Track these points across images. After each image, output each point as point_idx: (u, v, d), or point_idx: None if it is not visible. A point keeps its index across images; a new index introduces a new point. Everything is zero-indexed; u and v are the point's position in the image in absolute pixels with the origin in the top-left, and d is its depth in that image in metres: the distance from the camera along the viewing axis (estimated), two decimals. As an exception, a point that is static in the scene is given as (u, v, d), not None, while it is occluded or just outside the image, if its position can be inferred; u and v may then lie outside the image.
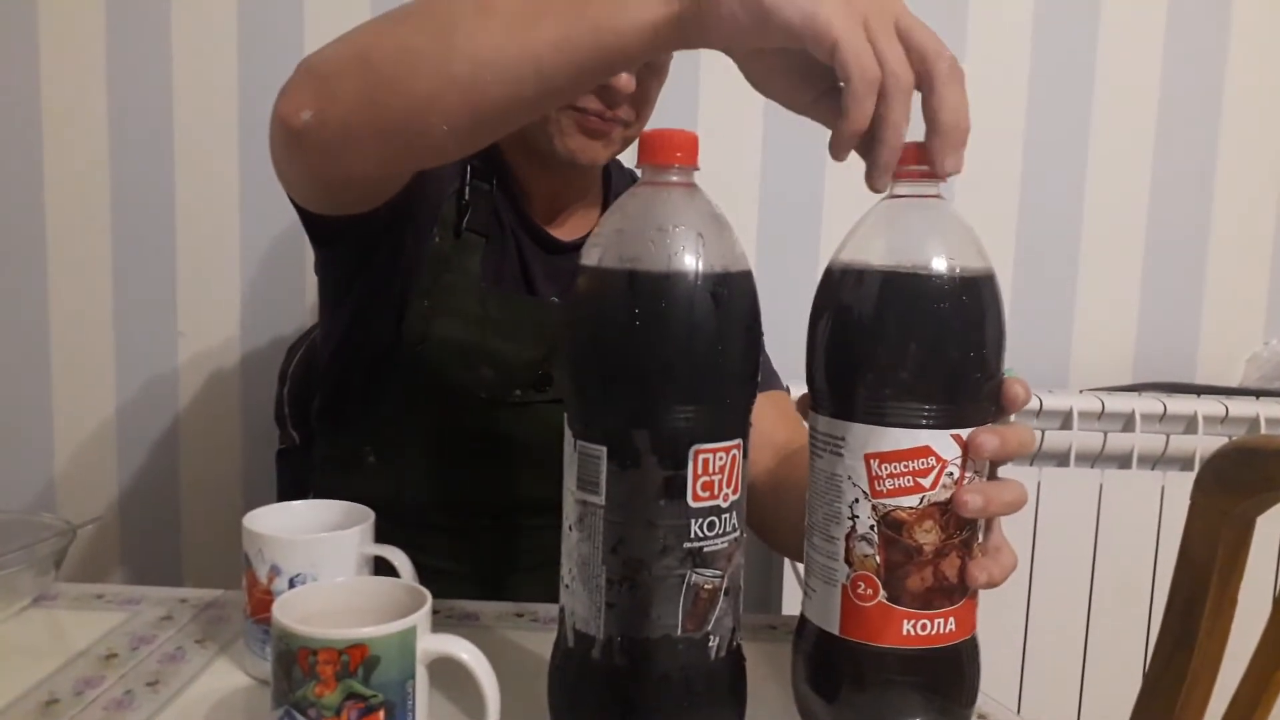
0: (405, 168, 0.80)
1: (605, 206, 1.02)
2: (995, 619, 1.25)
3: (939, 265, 0.56)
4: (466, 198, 0.94)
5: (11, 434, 1.40)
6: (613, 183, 1.05)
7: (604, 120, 0.90)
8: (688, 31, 0.61)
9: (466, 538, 0.97)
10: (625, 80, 0.87)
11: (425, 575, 0.94)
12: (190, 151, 1.35)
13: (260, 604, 0.68)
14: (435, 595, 0.84)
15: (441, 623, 0.81)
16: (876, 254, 0.58)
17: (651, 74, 0.92)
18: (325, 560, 0.68)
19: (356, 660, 0.54)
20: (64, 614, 0.80)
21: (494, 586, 0.96)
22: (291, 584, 0.67)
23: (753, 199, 1.38)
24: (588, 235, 0.94)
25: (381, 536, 0.97)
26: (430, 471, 0.95)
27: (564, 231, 0.99)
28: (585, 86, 0.76)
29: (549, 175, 0.97)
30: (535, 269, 0.97)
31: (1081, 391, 1.37)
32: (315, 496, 1.06)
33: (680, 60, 1.34)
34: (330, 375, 1.00)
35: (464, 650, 0.58)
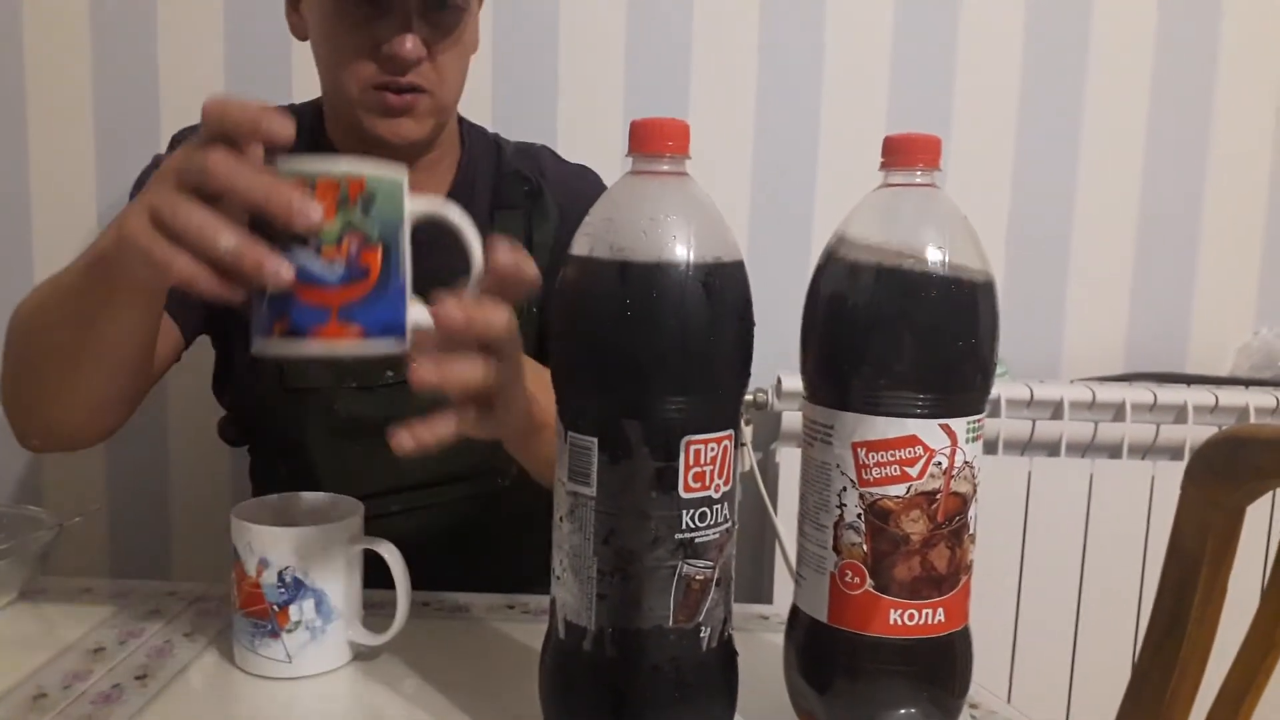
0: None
1: (461, 177, 0.99)
2: (986, 608, 1.25)
3: (933, 255, 0.56)
4: None
5: (-1, 427, 1.40)
6: (469, 149, 1.01)
7: (398, 94, 0.87)
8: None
9: (379, 526, 0.96)
10: (410, 46, 0.84)
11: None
12: (176, 114, 1.34)
13: (249, 597, 0.67)
14: (372, 585, 0.85)
15: (431, 614, 0.81)
16: (870, 243, 0.58)
17: (443, 37, 0.88)
18: (314, 553, 0.68)
19: (355, 193, 0.54)
20: (51, 608, 0.79)
21: (421, 569, 0.95)
22: (280, 578, 0.67)
23: (744, 188, 1.37)
24: None
25: None
26: (334, 470, 0.96)
27: None
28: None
29: (381, 155, 0.96)
30: None
31: (1072, 381, 1.38)
32: None
33: (672, 48, 1.34)
34: (223, 397, 1.05)
35: (450, 210, 0.59)
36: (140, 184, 0.99)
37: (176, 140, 1.00)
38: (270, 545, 0.67)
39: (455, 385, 0.60)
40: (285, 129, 0.53)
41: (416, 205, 0.58)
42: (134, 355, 0.75)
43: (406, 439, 0.59)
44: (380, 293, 0.56)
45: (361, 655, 0.72)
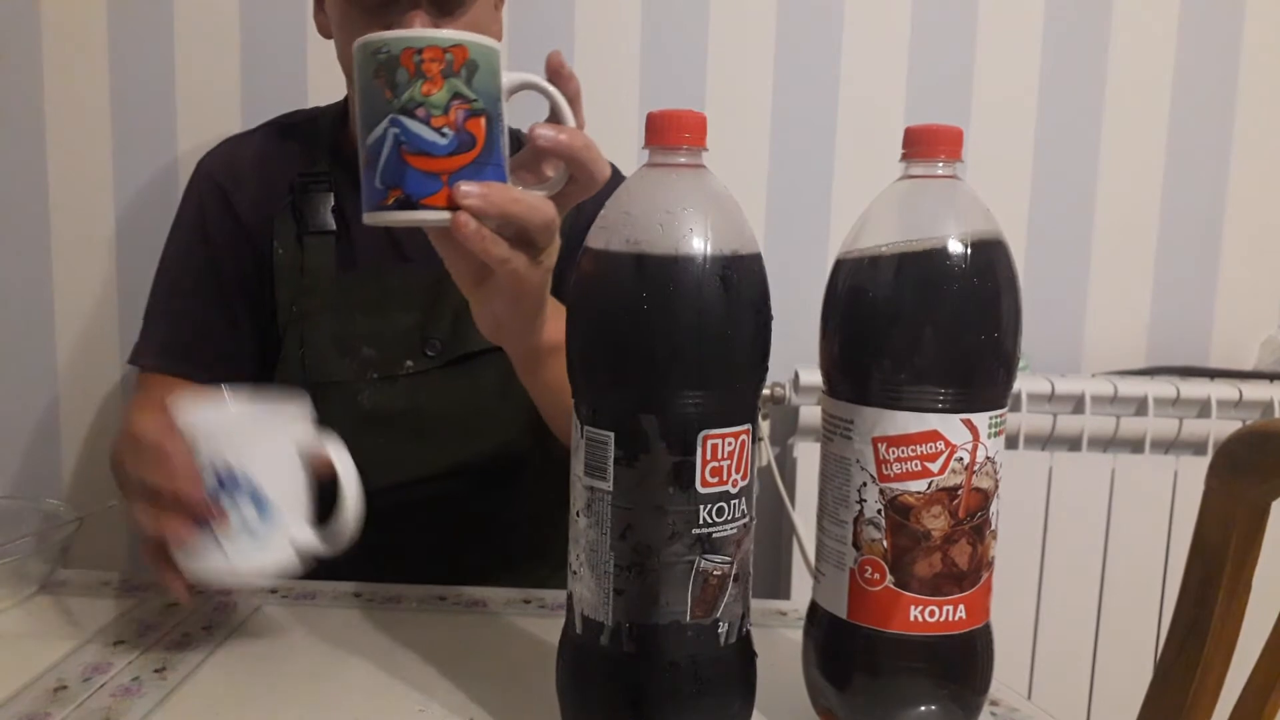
0: None
1: None
2: (1006, 604, 1.24)
3: (955, 247, 0.56)
4: (302, 206, 0.97)
5: (19, 421, 1.40)
6: None
7: None
8: None
9: (408, 517, 0.97)
10: (417, 24, 0.84)
11: (379, 559, 0.95)
12: (192, 153, 1.34)
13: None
14: (393, 578, 0.85)
15: (448, 609, 0.81)
16: (891, 236, 0.58)
17: (448, 17, 0.86)
18: (246, 442, 0.63)
19: (459, 60, 0.55)
20: (72, 600, 0.80)
21: (449, 561, 0.96)
22: (219, 479, 0.63)
23: (760, 180, 1.37)
24: None
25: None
26: (357, 460, 0.96)
27: None
28: None
29: None
30: (396, 243, 0.99)
31: (1094, 375, 1.36)
32: None
33: (688, 40, 1.34)
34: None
35: (542, 81, 0.60)
36: (185, 206, 1.01)
37: (202, 168, 1.01)
38: (203, 434, 0.63)
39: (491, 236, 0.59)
40: (196, 486, 0.62)
41: (512, 76, 0.59)
42: None
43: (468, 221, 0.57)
44: (485, 161, 0.57)
45: (312, 569, 0.68)
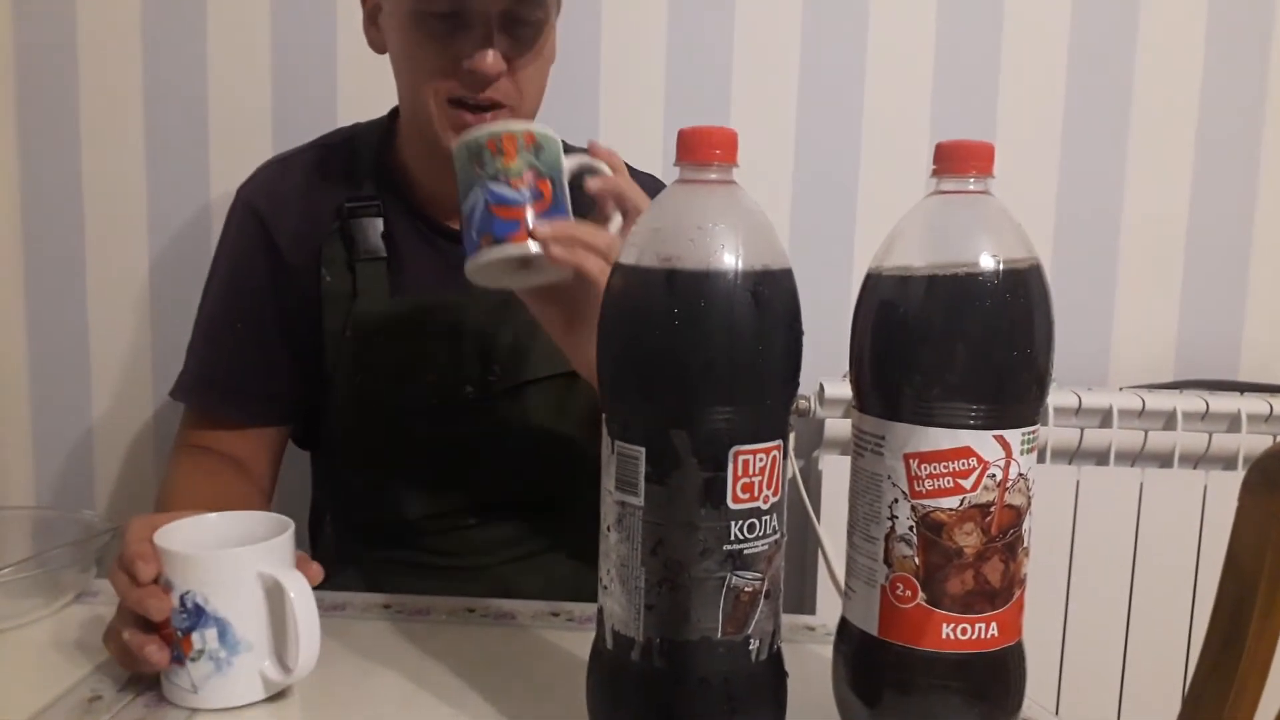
0: None
1: None
2: (1033, 620, 1.23)
3: (987, 263, 0.56)
4: (351, 232, 0.95)
5: (57, 434, 1.42)
6: None
7: (474, 109, 0.86)
8: None
9: (459, 536, 0.98)
10: (490, 61, 0.83)
11: (426, 573, 0.97)
12: (224, 171, 1.36)
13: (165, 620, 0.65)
14: (436, 591, 0.85)
15: (477, 621, 0.81)
16: (923, 252, 0.58)
17: (524, 50, 0.87)
18: (216, 579, 0.64)
19: (529, 142, 0.73)
20: (106, 611, 0.80)
21: (490, 578, 0.97)
22: (182, 602, 0.64)
23: (786, 194, 1.37)
24: None
25: (381, 542, 0.99)
26: (409, 485, 0.97)
27: None
28: None
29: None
30: (451, 267, 0.93)
31: (1122, 389, 1.35)
32: (313, 511, 1.08)
33: (713, 55, 1.34)
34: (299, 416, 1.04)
35: (596, 161, 0.77)
36: (224, 237, 1.01)
37: (241, 196, 1.00)
38: (173, 567, 0.64)
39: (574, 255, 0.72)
40: (160, 612, 0.64)
41: (573, 159, 0.76)
42: None
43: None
44: (553, 211, 0.73)
45: (280, 693, 0.68)
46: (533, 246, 0.71)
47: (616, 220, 0.77)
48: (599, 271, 0.70)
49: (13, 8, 1.35)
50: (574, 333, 0.77)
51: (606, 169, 0.77)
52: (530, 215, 0.71)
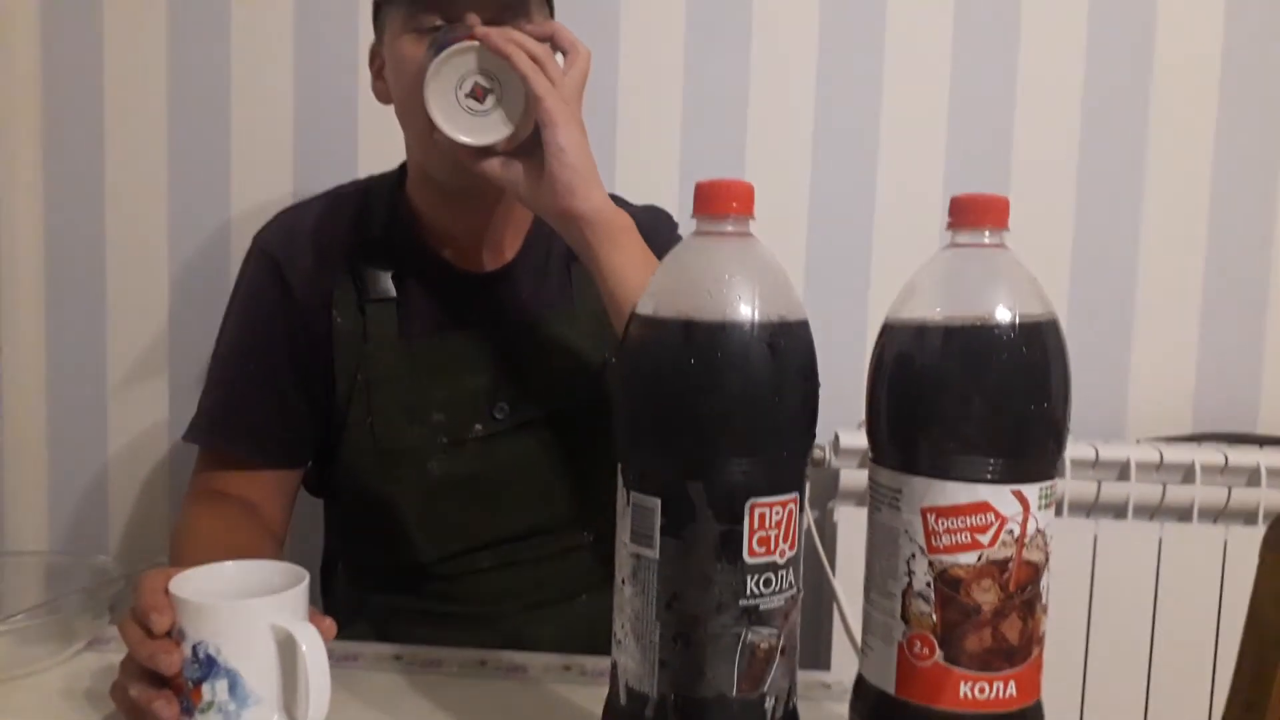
0: None
1: (537, 224, 1.01)
2: (1051, 679, 1.21)
3: (1003, 316, 0.56)
4: (361, 274, 0.96)
5: (68, 475, 1.43)
6: None
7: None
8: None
9: (472, 581, 0.98)
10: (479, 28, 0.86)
11: (438, 621, 0.96)
12: (244, 217, 1.38)
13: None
14: (448, 642, 0.85)
15: (488, 674, 0.80)
16: (939, 305, 0.58)
17: None
18: (228, 630, 0.63)
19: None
20: (118, 658, 0.80)
21: (505, 627, 0.97)
22: (194, 652, 0.63)
23: (801, 246, 1.37)
24: (515, 259, 0.99)
25: (393, 589, 0.99)
26: (420, 526, 0.97)
27: (491, 259, 1.00)
28: None
29: (464, 209, 0.97)
30: (458, 307, 0.98)
31: (1139, 441, 1.34)
32: (325, 559, 1.08)
33: (726, 107, 1.36)
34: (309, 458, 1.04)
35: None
36: (240, 281, 1.02)
37: (258, 242, 1.02)
38: (186, 617, 0.64)
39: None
40: (171, 667, 0.63)
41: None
42: None
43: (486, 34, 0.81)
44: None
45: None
46: (474, 44, 0.80)
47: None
48: (532, 70, 0.79)
49: (40, 55, 1.38)
50: (541, 185, 0.82)
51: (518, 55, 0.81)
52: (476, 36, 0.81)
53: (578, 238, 0.83)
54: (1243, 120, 1.37)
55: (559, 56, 0.86)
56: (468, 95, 0.83)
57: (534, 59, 0.81)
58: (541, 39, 0.85)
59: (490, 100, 0.83)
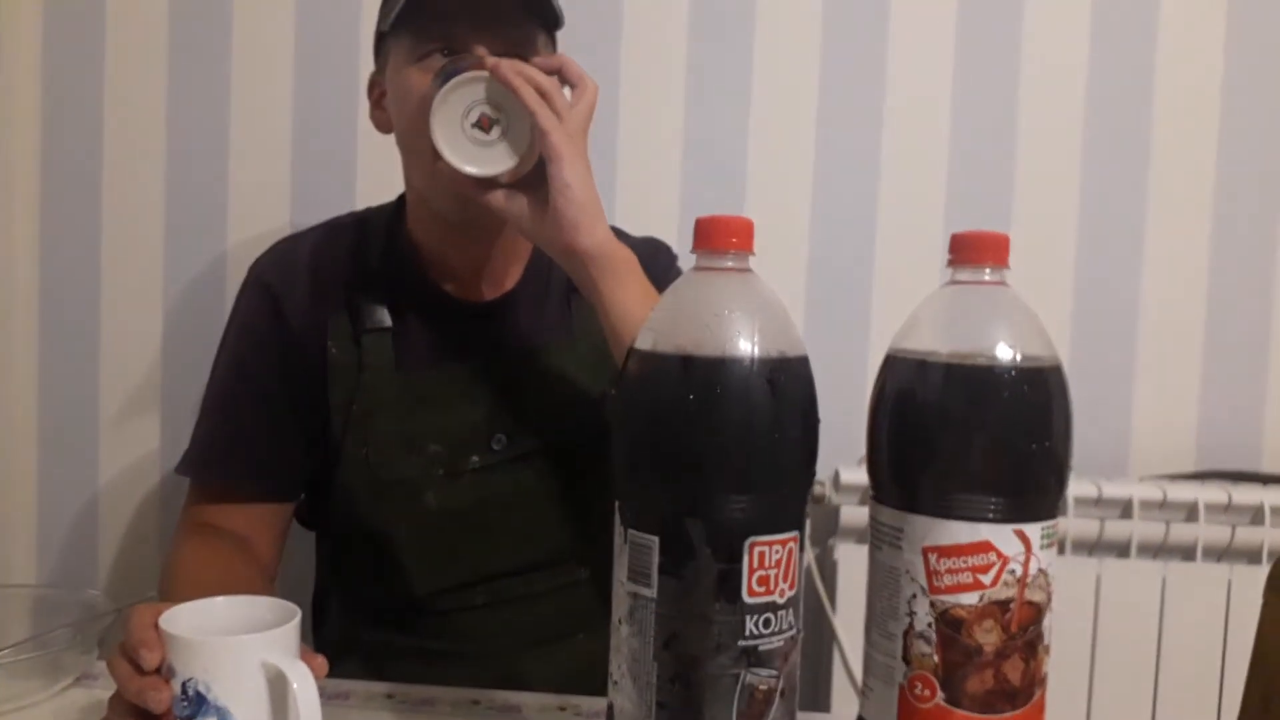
0: None
1: (537, 256, 1.01)
2: (1054, 718, 1.20)
3: (1004, 354, 0.55)
4: (357, 305, 0.96)
5: (58, 507, 1.41)
6: None
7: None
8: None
9: (466, 619, 0.97)
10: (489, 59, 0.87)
11: (432, 660, 0.94)
12: (240, 247, 1.38)
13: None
14: (441, 680, 0.84)
15: (482, 713, 0.79)
16: (940, 342, 0.57)
17: None
18: (218, 666, 0.63)
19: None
20: (106, 694, 0.79)
21: (499, 665, 0.95)
22: (184, 689, 0.62)
23: (800, 282, 1.37)
24: (514, 290, 0.99)
25: (386, 625, 0.98)
26: (415, 560, 0.96)
27: (490, 289, 1.00)
28: None
29: (465, 240, 0.97)
30: (456, 337, 0.98)
31: (1141, 479, 1.33)
32: (317, 594, 1.06)
33: (728, 143, 1.36)
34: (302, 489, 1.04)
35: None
36: (235, 313, 1.02)
37: (253, 272, 1.02)
38: (176, 653, 0.63)
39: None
40: (160, 704, 0.63)
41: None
42: None
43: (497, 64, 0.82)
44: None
45: None
46: (483, 73, 0.80)
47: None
48: (538, 104, 0.80)
49: (40, 85, 1.39)
50: (545, 219, 0.82)
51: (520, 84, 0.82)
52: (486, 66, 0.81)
53: (580, 272, 0.83)
54: (1244, 160, 1.37)
55: (566, 90, 0.86)
56: (474, 125, 0.83)
57: (541, 92, 0.81)
58: (549, 72, 0.85)
59: (496, 131, 0.83)
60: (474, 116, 0.82)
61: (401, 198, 1.03)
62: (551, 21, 0.92)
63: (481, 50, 0.87)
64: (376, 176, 1.35)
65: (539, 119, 0.80)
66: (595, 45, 1.35)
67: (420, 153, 0.88)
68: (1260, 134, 1.37)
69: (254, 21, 1.37)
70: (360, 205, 1.12)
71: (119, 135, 1.39)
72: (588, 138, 0.85)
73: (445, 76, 0.83)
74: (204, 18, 1.37)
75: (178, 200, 1.39)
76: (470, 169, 0.83)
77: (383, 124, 0.98)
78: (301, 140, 1.37)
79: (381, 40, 0.95)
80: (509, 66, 0.81)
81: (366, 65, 1.01)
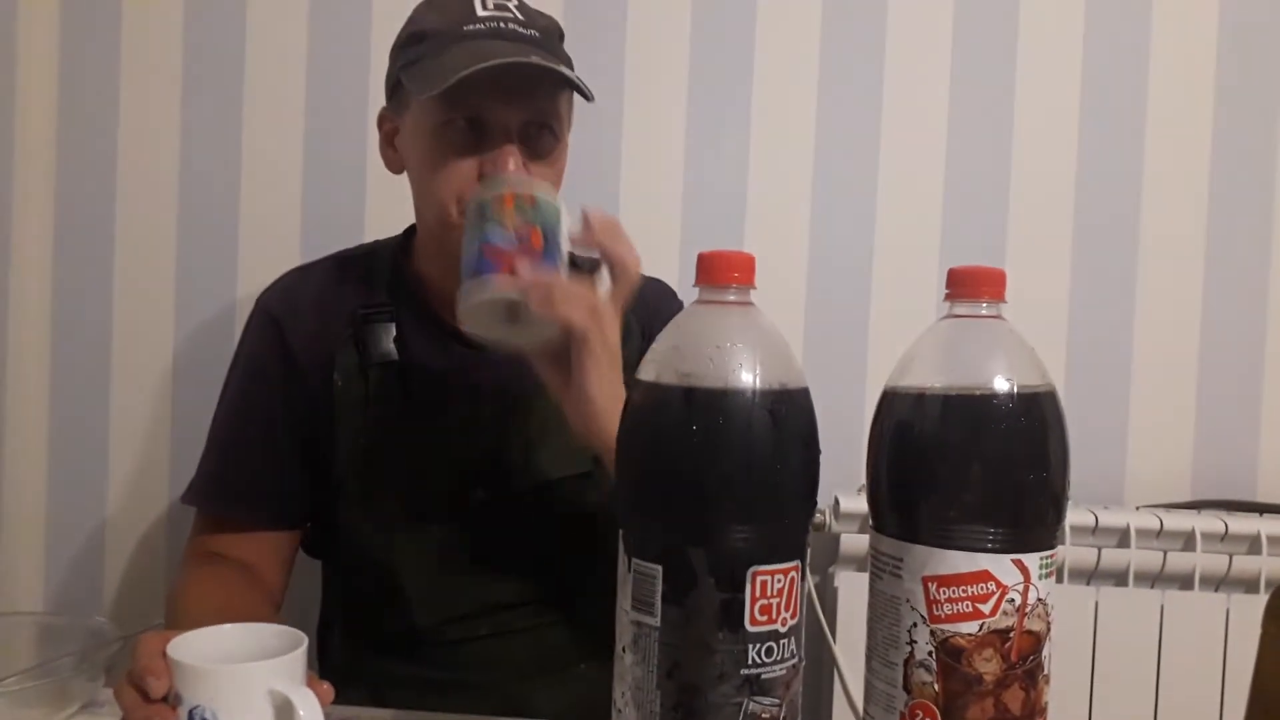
0: None
1: None
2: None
3: (1001, 386, 0.56)
4: (364, 338, 0.96)
5: (65, 535, 1.42)
6: None
7: None
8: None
9: (471, 649, 0.97)
10: (512, 163, 0.87)
11: (438, 689, 0.95)
12: (249, 276, 1.40)
13: None
14: (445, 709, 0.84)
15: (486, 741, 0.79)
16: (938, 375, 0.58)
17: (539, 160, 0.91)
18: (226, 693, 0.63)
19: (530, 201, 0.79)
20: (110, 722, 0.80)
21: (503, 695, 0.95)
22: (190, 717, 0.63)
23: (798, 306, 1.39)
24: None
25: (391, 654, 0.98)
26: (420, 591, 0.97)
27: None
28: None
29: None
30: (462, 372, 0.98)
31: (1138, 508, 1.34)
32: (322, 622, 1.06)
33: (727, 177, 1.38)
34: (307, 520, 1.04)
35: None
36: (242, 344, 1.03)
37: (260, 304, 1.02)
38: (183, 680, 0.64)
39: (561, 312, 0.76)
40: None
41: (568, 219, 0.81)
42: None
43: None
44: (543, 262, 0.78)
45: None
46: (514, 291, 0.76)
47: (605, 280, 0.80)
48: (583, 324, 0.76)
49: (56, 123, 1.40)
50: (570, 391, 0.80)
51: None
52: (518, 262, 0.76)
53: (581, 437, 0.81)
54: (1238, 187, 1.39)
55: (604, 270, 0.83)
56: (503, 319, 0.80)
57: (585, 308, 0.77)
58: (590, 253, 0.82)
59: (524, 317, 0.79)
60: (501, 313, 0.80)
61: (409, 230, 1.03)
62: (580, 92, 0.90)
63: (508, 194, 0.82)
64: (386, 211, 1.37)
65: (575, 328, 0.77)
66: (597, 87, 1.36)
67: (438, 205, 0.89)
68: (1253, 163, 1.39)
69: (266, 53, 1.39)
70: (369, 237, 1.13)
71: (132, 168, 1.40)
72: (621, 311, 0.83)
73: (479, 207, 0.79)
74: (217, 51, 1.39)
75: (189, 231, 1.40)
76: (496, 338, 0.82)
77: (392, 162, 0.98)
78: (312, 174, 1.39)
79: (399, 86, 0.93)
80: (544, 292, 0.76)
81: (377, 97, 1.02)
